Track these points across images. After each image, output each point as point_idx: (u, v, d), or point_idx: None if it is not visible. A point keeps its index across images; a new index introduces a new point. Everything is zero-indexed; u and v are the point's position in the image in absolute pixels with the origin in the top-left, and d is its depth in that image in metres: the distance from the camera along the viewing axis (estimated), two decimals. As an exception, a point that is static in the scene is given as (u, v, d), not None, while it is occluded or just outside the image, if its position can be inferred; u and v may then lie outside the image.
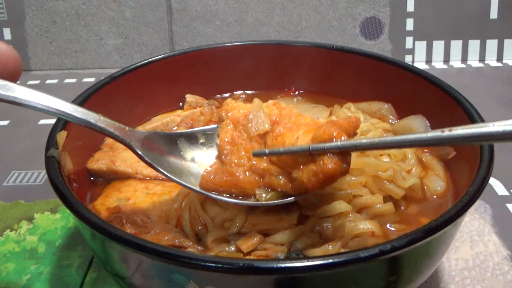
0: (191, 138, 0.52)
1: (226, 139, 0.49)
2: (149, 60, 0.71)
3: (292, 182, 0.46)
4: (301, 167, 0.44)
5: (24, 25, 1.13)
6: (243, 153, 0.48)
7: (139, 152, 0.47)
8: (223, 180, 0.48)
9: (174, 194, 0.55)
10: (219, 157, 0.50)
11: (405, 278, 0.44)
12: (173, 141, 0.51)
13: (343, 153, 0.43)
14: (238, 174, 0.47)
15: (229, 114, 0.51)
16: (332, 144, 0.42)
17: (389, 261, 0.41)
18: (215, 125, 0.53)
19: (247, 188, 0.47)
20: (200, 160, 0.51)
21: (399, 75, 0.67)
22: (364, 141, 0.41)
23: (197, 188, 0.49)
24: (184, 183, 0.48)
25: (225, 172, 0.48)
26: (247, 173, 0.48)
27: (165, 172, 0.47)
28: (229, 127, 0.50)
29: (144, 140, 0.48)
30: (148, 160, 0.47)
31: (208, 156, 0.51)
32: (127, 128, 0.47)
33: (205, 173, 0.49)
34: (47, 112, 0.44)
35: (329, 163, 0.42)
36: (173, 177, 0.48)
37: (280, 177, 0.46)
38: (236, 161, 0.48)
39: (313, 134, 0.44)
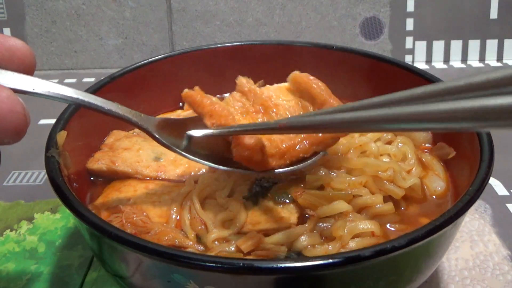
0: (198, 123, 0.54)
1: (236, 96, 0.54)
2: (149, 60, 0.71)
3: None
4: None
5: (24, 25, 1.13)
6: (251, 110, 0.53)
7: (157, 136, 0.50)
8: (220, 122, 0.50)
9: (174, 194, 0.55)
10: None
11: (405, 278, 0.44)
12: (182, 126, 0.53)
13: None
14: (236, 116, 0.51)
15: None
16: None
17: (389, 261, 0.41)
18: None
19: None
20: None
21: (399, 75, 0.67)
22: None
23: (217, 166, 0.51)
24: (204, 162, 0.51)
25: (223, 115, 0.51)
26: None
27: (184, 153, 0.50)
28: (238, 95, 0.55)
29: (158, 126, 0.51)
30: (166, 143, 0.50)
31: None
32: (142, 115, 0.50)
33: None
34: (67, 101, 0.45)
35: None
36: (192, 157, 0.50)
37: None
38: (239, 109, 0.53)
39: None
